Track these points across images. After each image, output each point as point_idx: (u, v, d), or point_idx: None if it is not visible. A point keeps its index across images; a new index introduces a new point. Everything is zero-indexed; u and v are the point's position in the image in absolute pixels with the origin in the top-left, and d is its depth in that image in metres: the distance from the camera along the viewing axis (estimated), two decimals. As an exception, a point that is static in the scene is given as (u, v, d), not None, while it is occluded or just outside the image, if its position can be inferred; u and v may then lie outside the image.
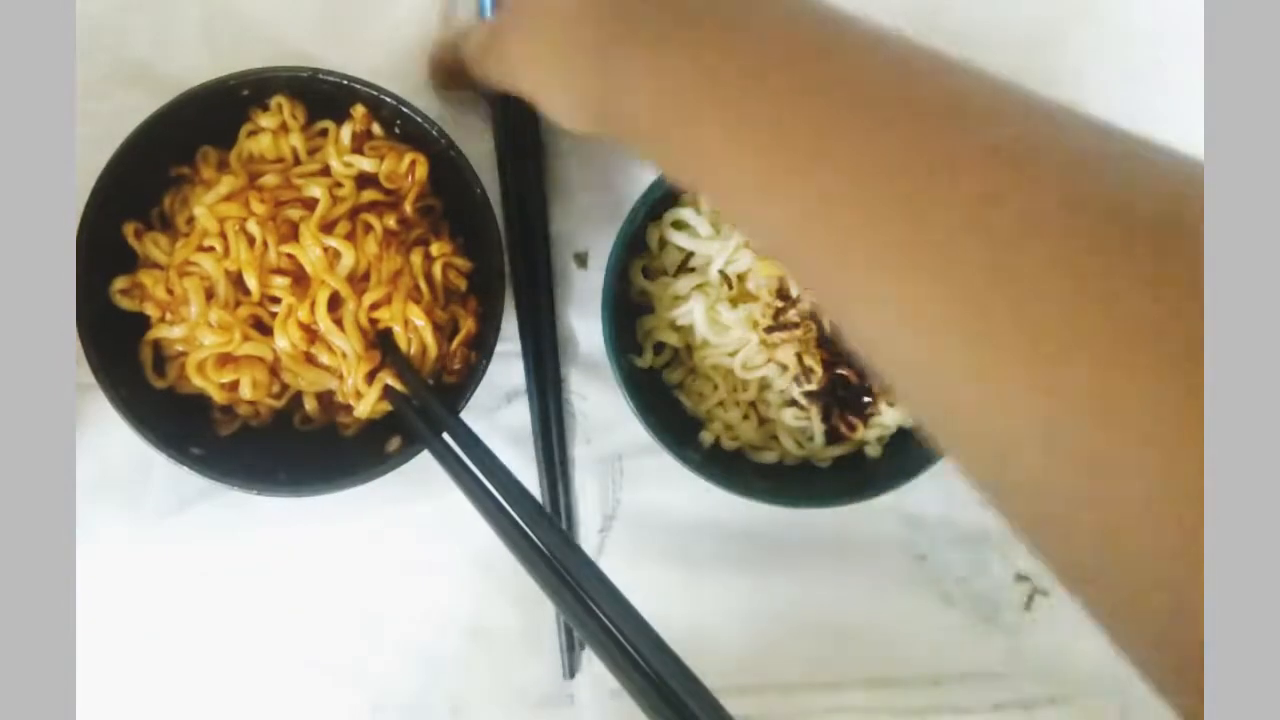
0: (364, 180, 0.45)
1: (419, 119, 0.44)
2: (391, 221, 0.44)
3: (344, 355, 0.43)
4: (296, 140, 0.45)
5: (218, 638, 0.49)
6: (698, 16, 0.28)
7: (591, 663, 0.49)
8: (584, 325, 0.50)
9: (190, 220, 0.44)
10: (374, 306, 0.43)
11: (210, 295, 0.43)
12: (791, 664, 0.50)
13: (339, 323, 0.42)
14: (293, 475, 0.43)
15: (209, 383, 0.43)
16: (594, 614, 0.33)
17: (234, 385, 0.43)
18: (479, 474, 0.38)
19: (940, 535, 0.51)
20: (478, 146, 0.49)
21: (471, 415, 0.42)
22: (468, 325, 0.45)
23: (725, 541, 0.50)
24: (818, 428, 0.47)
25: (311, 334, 0.43)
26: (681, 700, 0.30)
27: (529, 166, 0.49)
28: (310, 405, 0.45)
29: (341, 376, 0.43)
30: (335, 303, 0.43)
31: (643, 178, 0.47)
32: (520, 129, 0.49)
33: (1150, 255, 0.20)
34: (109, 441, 0.46)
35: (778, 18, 0.27)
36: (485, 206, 0.44)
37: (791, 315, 0.46)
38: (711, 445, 0.48)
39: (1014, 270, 0.21)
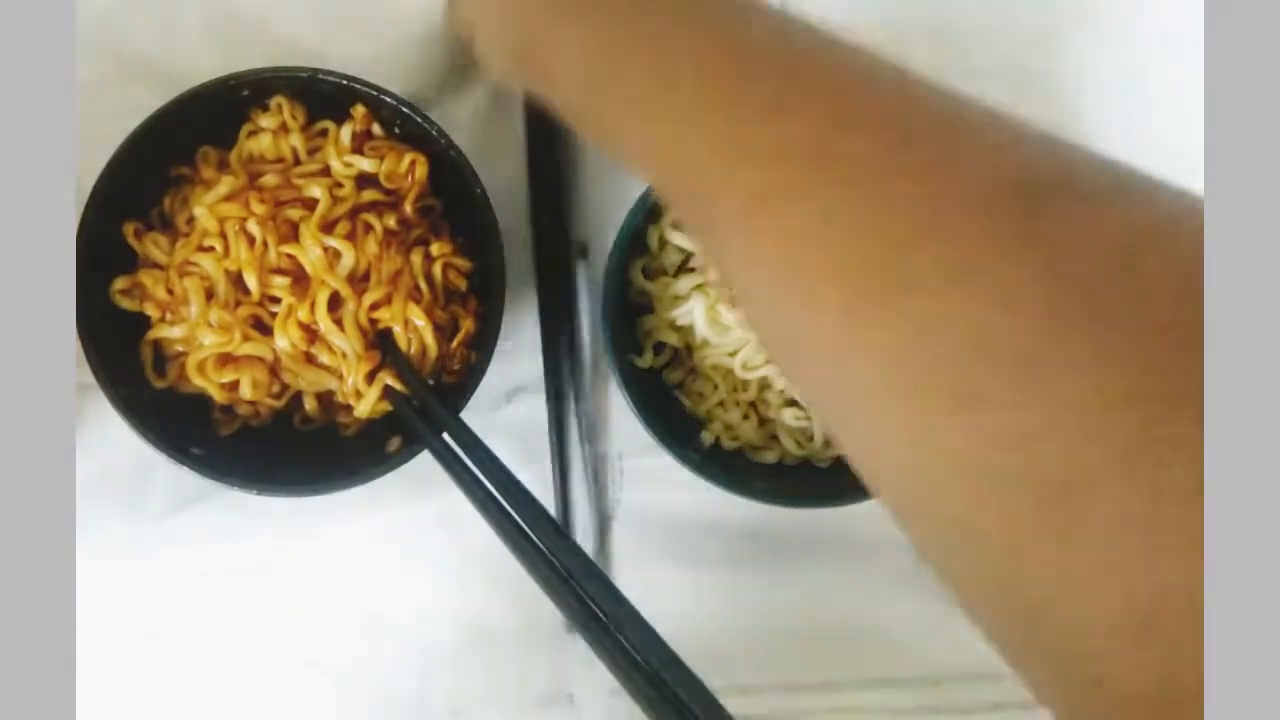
0: (364, 180, 0.45)
1: (419, 119, 0.44)
2: (391, 221, 0.44)
3: (344, 355, 0.43)
4: (296, 140, 0.45)
5: (218, 638, 0.49)
6: None
7: (592, 663, 0.49)
8: (584, 324, 0.50)
9: (190, 220, 0.44)
10: (374, 306, 0.43)
11: (210, 295, 0.43)
12: (791, 664, 0.50)
13: (339, 323, 0.42)
14: (293, 475, 0.43)
15: (209, 383, 0.43)
16: (594, 614, 0.33)
17: (234, 385, 0.43)
18: (479, 474, 0.38)
19: (940, 535, 0.50)
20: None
21: (471, 415, 0.42)
22: (467, 325, 0.45)
23: (725, 541, 0.50)
24: (818, 428, 0.47)
25: (311, 334, 0.43)
26: (681, 700, 0.30)
27: (558, 152, 0.50)
28: (310, 405, 0.45)
29: (341, 376, 0.43)
30: (335, 303, 0.43)
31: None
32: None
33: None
34: (109, 441, 0.46)
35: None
36: (485, 206, 0.44)
37: (791, 315, 0.46)
38: (711, 445, 0.48)
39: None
